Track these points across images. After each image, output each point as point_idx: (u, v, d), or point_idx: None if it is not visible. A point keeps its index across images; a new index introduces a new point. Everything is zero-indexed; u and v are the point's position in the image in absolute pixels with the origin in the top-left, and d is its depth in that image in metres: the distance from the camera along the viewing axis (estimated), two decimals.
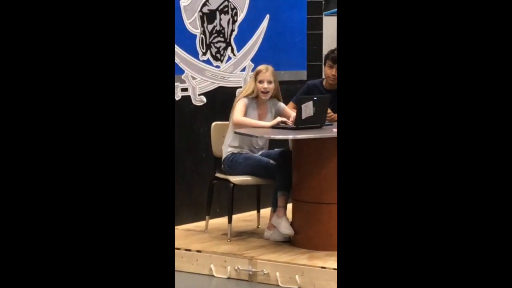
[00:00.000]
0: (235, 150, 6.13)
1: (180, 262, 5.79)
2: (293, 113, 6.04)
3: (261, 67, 6.18)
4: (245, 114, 6.05)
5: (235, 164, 6.10)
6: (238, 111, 6.02)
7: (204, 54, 6.85)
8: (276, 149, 6.18)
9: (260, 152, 6.21)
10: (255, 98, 6.13)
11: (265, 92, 6.09)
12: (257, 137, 6.05)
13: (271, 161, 6.02)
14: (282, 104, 6.24)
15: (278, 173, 5.98)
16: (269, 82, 6.08)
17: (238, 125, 6.00)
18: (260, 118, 6.12)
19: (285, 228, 5.93)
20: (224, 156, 6.18)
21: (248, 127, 5.98)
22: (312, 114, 5.92)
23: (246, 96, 6.10)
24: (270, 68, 6.12)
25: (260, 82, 6.08)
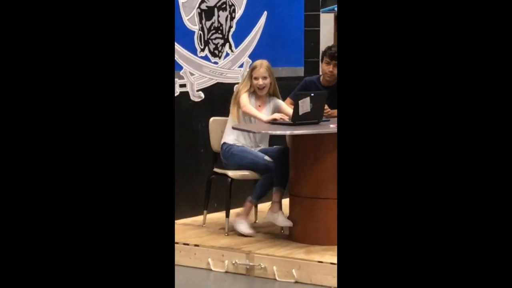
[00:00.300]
0: (231, 142, 6.15)
1: (178, 256, 5.77)
2: (291, 111, 6.04)
3: (256, 63, 6.22)
4: None
5: (230, 155, 6.12)
6: (246, 102, 6.06)
7: (202, 50, 6.85)
8: (274, 146, 6.19)
9: (259, 149, 6.20)
10: (253, 93, 6.16)
11: (261, 88, 6.12)
12: (254, 132, 6.06)
13: (266, 157, 6.03)
14: (281, 101, 6.26)
15: (276, 169, 5.99)
16: (264, 78, 6.11)
17: (245, 112, 6.06)
18: (259, 111, 6.15)
19: (283, 221, 5.96)
20: (221, 148, 6.21)
21: (251, 116, 6.06)
22: (309, 110, 5.92)
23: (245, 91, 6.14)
24: (264, 63, 6.14)
25: (255, 78, 6.12)
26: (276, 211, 5.99)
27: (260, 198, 6.18)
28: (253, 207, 6.32)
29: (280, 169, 5.98)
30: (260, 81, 6.10)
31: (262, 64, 6.13)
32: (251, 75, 6.15)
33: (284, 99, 6.35)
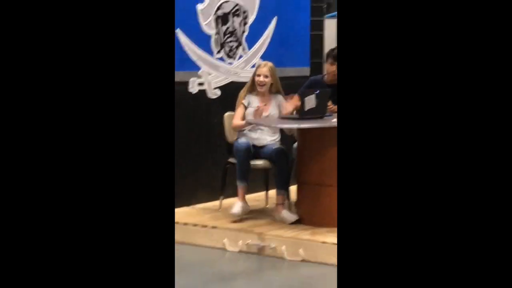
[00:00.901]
0: (244, 133, 6.19)
1: (197, 237, 5.86)
2: (289, 106, 6.12)
3: (261, 62, 6.28)
4: (247, 109, 6.17)
5: (234, 149, 6.13)
6: (237, 117, 6.14)
7: (219, 52, 6.86)
8: (272, 148, 6.08)
9: (266, 142, 6.18)
10: (257, 91, 6.20)
11: (261, 85, 6.14)
12: (265, 126, 6.08)
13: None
14: (282, 98, 6.29)
15: (276, 173, 5.99)
16: (265, 76, 6.13)
17: (235, 129, 6.15)
18: (264, 109, 6.16)
19: (289, 218, 5.96)
20: None
21: (241, 128, 6.12)
22: (314, 106, 5.97)
23: (248, 90, 6.18)
24: (268, 64, 6.18)
25: (258, 75, 6.15)
26: (280, 211, 5.97)
27: (244, 178, 6.00)
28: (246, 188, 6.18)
29: (280, 172, 5.97)
30: (261, 78, 6.11)
31: (266, 64, 6.17)
32: (255, 73, 6.20)
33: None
